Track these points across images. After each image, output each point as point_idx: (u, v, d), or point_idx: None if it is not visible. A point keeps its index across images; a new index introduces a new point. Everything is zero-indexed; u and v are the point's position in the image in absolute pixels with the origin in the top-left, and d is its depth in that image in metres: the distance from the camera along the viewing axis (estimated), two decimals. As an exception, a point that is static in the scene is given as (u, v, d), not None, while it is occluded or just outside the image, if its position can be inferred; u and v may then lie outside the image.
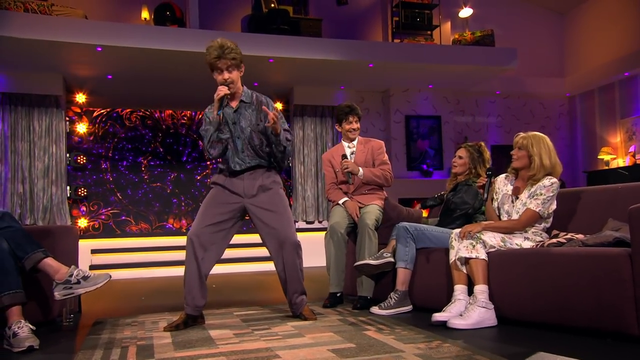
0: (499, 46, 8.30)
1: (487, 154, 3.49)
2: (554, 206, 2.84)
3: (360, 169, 3.60)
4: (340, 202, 3.68)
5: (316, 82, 8.29)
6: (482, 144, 3.54)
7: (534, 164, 2.84)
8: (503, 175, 3.05)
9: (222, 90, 2.84)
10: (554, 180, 2.81)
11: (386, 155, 3.80)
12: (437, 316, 2.67)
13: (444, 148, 8.85)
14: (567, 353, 2.03)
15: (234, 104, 2.97)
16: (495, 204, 3.00)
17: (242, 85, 3.00)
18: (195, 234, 2.87)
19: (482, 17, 9.04)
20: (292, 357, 2.11)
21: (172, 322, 2.89)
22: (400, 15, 8.46)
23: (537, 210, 2.78)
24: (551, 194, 2.78)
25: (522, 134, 2.94)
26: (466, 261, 2.74)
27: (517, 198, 2.90)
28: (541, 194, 2.78)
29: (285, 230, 2.93)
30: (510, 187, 2.97)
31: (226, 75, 2.87)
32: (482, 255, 2.69)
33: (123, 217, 8.55)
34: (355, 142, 3.80)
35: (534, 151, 2.85)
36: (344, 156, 3.66)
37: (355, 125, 3.75)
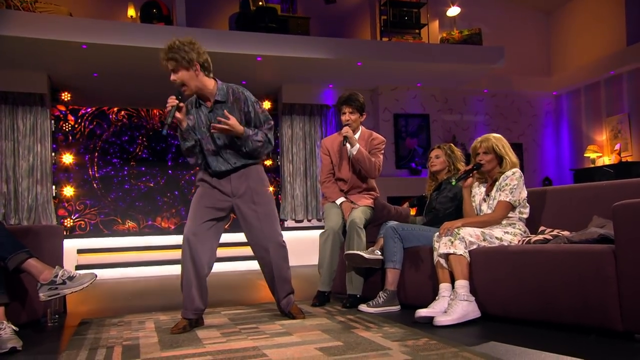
0: (486, 45, 8.34)
1: (458, 152, 3.60)
2: (524, 193, 2.93)
3: (357, 145, 3.52)
4: (338, 202, 3.63)
5: (304, 80, 8.27)
6: (451, 144, 3.67)
7: (505, 162, 2.96)
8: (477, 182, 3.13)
9: (170, 102, 2.71)
10: (516, 169, 2.95)
11: (382, 152, 3.72)
12: (421, 312, 2.70)
13: (432, 146, 8.85)
14: (552, 349, 2.04)
15: (209, 103, 2.87)
16: (474, 204, 3.06)
17: (216, 82, 2.87)
18: (192, 232, 2.80)
19: (469, 15, 9.07)
20: (279, 356, 2.10)
21: (178, 323, 2.78)
22: (389, 14, 8.47)
23: (508, 199, 2.88)
24: (516, 182, 2.89)
25: (479, 140, 3.04)
26: (446, 257, 2.76)
27: (488, 196, 3.01)
28: (507, 185, 2.90)
29: (272, 231, 2.92)
30: (483, 189, 3.07)
31: (172, 77, 2.76)
32: (460, 251, 2.72)
33: (110, 217, 8.47)
34: (357, 136, 3.64)
35: (502, 151, 2.98)
36: (345, 138, 3.52)
37: (349, 117, 3.58)
